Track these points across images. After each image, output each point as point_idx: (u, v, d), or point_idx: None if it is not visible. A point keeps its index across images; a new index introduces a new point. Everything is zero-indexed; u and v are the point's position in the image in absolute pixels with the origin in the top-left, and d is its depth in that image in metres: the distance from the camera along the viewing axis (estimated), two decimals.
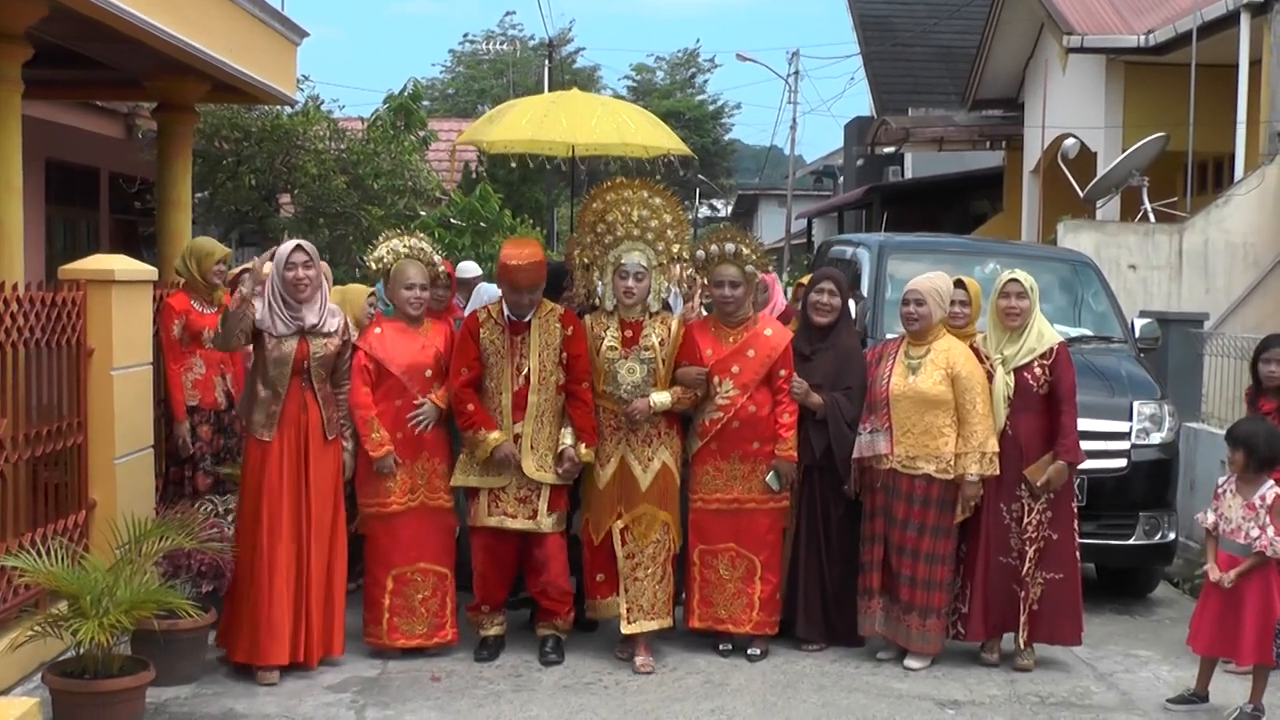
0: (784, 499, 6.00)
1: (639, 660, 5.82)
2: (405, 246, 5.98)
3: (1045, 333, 5.99)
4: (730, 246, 5.97)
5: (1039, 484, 5.86)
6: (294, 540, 5.51)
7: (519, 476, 5.76)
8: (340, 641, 5.73)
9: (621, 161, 7.78)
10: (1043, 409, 5.92)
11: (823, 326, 6.17)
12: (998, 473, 5.83)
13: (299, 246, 5.56)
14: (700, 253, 6.01)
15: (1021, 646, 5.99)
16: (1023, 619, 5.93)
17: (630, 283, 5.83)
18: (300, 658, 5.54)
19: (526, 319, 5.81)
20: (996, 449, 5.82)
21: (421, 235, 6.24)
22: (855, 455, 5.98)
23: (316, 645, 5.60)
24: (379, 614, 5.86)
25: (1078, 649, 6.21)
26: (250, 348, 5.67)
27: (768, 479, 5.91)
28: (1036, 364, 5.92)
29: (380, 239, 6.13)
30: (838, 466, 6.02)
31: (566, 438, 5.80)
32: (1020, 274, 6.02)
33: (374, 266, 6.04)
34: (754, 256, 6.01)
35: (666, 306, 6.16)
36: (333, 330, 5.63)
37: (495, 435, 5.72)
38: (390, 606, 5.84)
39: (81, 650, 4.85)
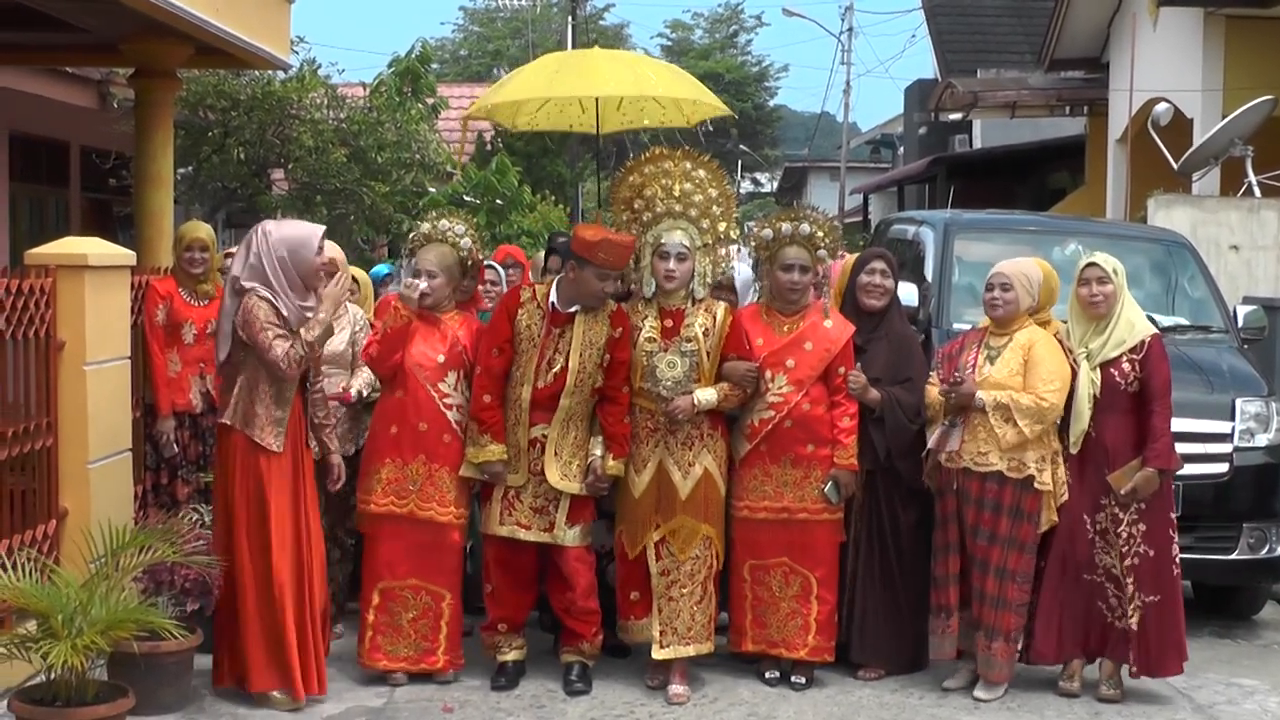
0: (839, 510, 5.99)
1: (673, 690, 5.82)
2: (430, 226, 6.08)
3: (1137, 322, 5.96)
4: (806, 228, 5.97)
5: (1123, 492, 5.83)
6: (297, 557, 5.53)
7: (537, 483, 5.77)
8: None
9: (652, 133, 7.78)
10: (1132, 409, 5.90)
11: (875, 312, 6.17)
12: (1018, 425, 5.74)
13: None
14: (767, 231, 6.02)
15: (1117, 675, 5.93)
16: (1131, 652, 5.89)
17: (671, 264, 5.82)
18: (314, 689, 5.55)
19: (572, 310, 5.82)
20: (1043, 405, 5.74)
21: (459, 214, 6.37)
22: (931, 444, 5.97)
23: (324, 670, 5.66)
24: (363, 631, 5.90)
25: (1173, 678, 6.16)
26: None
27: (826, 490, 5.90)
28: (1125, 359, 5.89)
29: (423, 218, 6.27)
30: (898, 467, 6.02)
31: (596, 448, 5.81)
32: (1100, 256, 6.00)
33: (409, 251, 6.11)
34: (827, 240, 6.02)
35: (732, 291, 6.20)
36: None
37: (498, 450, 5.74)
38: (374, 624, 5.86)
39: (53, 675, 4.87)
